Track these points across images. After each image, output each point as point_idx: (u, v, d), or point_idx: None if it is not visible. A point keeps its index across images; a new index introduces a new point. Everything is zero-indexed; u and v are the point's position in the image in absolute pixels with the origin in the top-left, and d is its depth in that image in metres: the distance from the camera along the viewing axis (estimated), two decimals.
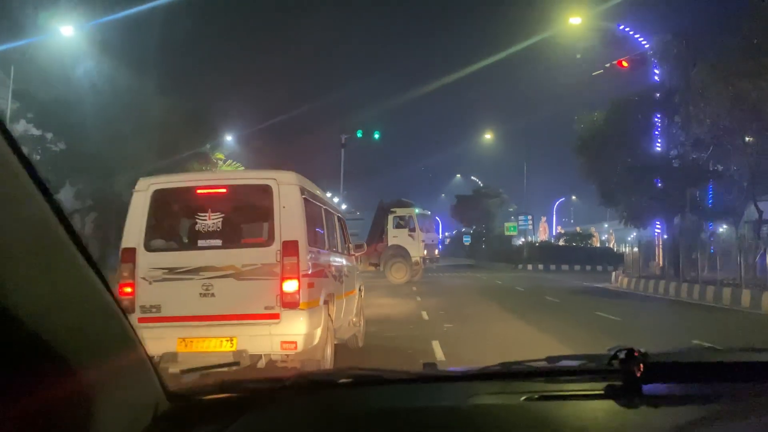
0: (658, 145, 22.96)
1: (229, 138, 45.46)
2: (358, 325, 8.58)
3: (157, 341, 5.12)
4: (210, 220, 5.69)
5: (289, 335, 5.40)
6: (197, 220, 5.74)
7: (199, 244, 5.70)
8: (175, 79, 40.46)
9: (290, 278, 5.44)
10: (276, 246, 5.51)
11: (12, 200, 0.93)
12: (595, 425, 1.41)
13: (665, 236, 25.02)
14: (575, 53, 27.52)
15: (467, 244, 64.70)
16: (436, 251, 30.56)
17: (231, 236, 5.81)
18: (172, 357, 5.27)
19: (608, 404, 1.44)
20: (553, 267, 44.75)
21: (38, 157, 24.40)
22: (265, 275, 5.49)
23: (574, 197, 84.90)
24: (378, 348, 8.77)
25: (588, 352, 1.76)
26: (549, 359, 1.73)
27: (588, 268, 43.67)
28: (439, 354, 8.19)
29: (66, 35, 23.02)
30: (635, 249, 25.71)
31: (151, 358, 1.31)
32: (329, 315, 6.28)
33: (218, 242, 5.66)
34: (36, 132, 24.99)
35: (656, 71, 24.90)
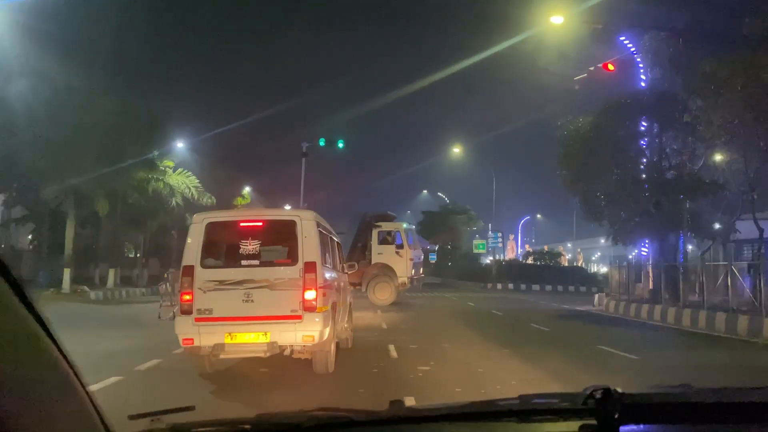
0: (649, 154, 20.83)
1: (180, 145, 42.12)
2: (349, 330, 10.46)
3: (209, 335, 7.20)
4: (250, 245, 7.50)
5: (309, 331, 7.23)
6: (240, 245, 7.50)
7: (241, 263, 7.48)
8: (121, 78, 37.06)
9: (310, 289, 7.27)
10: (299, 265, 7.36)
11: None
12: None
13: (651, 256, 22.98)
14: (553, 58, 25.47)
15: (432, 262, 62.20)
16: (422, 270, 27.61)
17: (266, 257, 7.60)
18: (221, 347, 7.26)
19: None
20: (523, 286, 42.59)
21: None
22: (291, 287, 7.31)
23: (539, 215, 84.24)
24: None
25: None
26: (521, 398, 1.70)
27: (560, 288, 41.69)
28: None
29: None
30: (619, 269, 23.42)
31: (93, 400, 1.15)
32: (334, 318, 8.07)
33: (256, 262, 7.48)
34: None
35: (643, 76, 23.04)
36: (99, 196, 31.07)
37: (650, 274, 21.81)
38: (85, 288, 26.22)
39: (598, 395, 1.46)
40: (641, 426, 1.49)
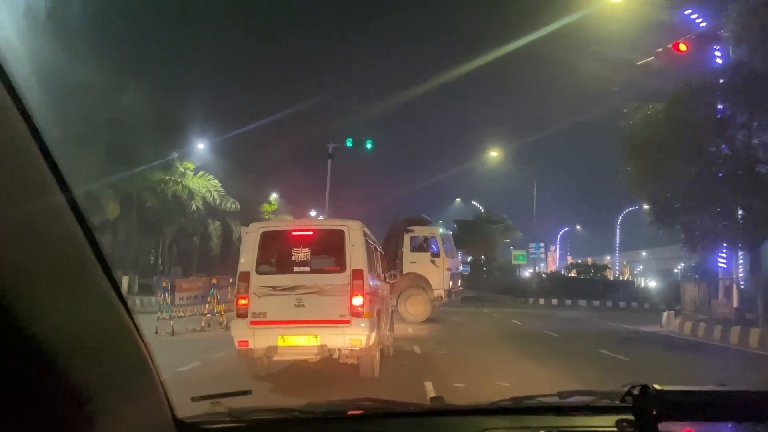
0: (736, 145, 17.37)
1: (201, 146, 39.94)
2: (390, 338, 10.65)
3: (263, 338, 7.65)
4: (302, 253, 7.95)
5: (356, 335, 7.61)
6: (293, 253, 7.97)
7: (294, 270, 7.91)
8: (140, 75, 35.03)
9: (357, 295, 7.67)
10: (347, 272, 7.78)
11: (43, 217, 0.93)
12: None
13: (731, 268, 19.47)
14: (608, 42, 22.27)
15: (466, 274, 58.72)
16: (459, 282, 24.16)
17: (316, 265, 7.97)
18: (274, 349, 7.68)
19: None
20: (568, 302, 39.02)
21: None
22: (340, 293, 7.71)
23: (578, 227, 79.95)
24: None
25: None
26: (560, 394, 1.71)
27: (609, 304, 37.94)
28: None
29: None
30: (698, 285, 19.83)
31: (163, 384, 1.28)
32: (379, 325, 8.49)
33: (307, 269, 7.92)
34: None
35: (718, 53, 19.70)
36: (108, 198, 29.08)
37: (734, 290, 18.31)
38: None
39: (635, 392, 1.48)
40: (679, 423, 1.48)
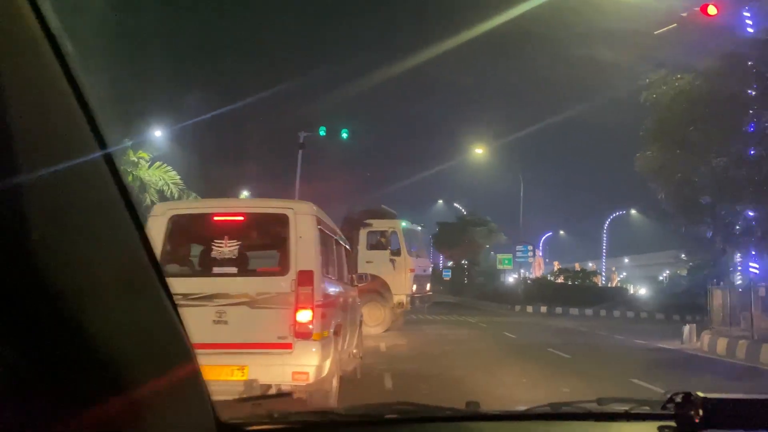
0: None
1: (158, 134, 36.21)
2: (357, 357, 8.54)
3: None
4: (226, 248, 5.70)
5: (302, 366, 5.41)
6: (213, 247, 5.75)
7: (214, 271, 5.74)
8: (89, 53, 31.24)
9: (304, 308, 5.48)
10: (291, 275, 5.56)
11: (105, 218, 0.93)
12: None
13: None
14: (616, 12, 19.20)
15: (447, 279, 55.48)
16: (428, 286, 20.63)
17: (246, 264, 5.95)
18: None
19: None
20: (558, 310, 35.94)
21: None
22: (279, 304, 5.53)
23: (561, 232, 77.57)
24: None
25: None
26: (599, 401, 1.67)
27: (602, 312, 34.91)
28: None
29: None
30: (730, 293, 16.63)
31: (207, 387, 1.29)
32: (337, 346, 6.32)
33: (233, 270, 5.71)
34: None
35: (749, 22, 16.77)
36: None
37: None
38: None
39: (678, 399, 1.46)
40: (722, 431, 1.42)
